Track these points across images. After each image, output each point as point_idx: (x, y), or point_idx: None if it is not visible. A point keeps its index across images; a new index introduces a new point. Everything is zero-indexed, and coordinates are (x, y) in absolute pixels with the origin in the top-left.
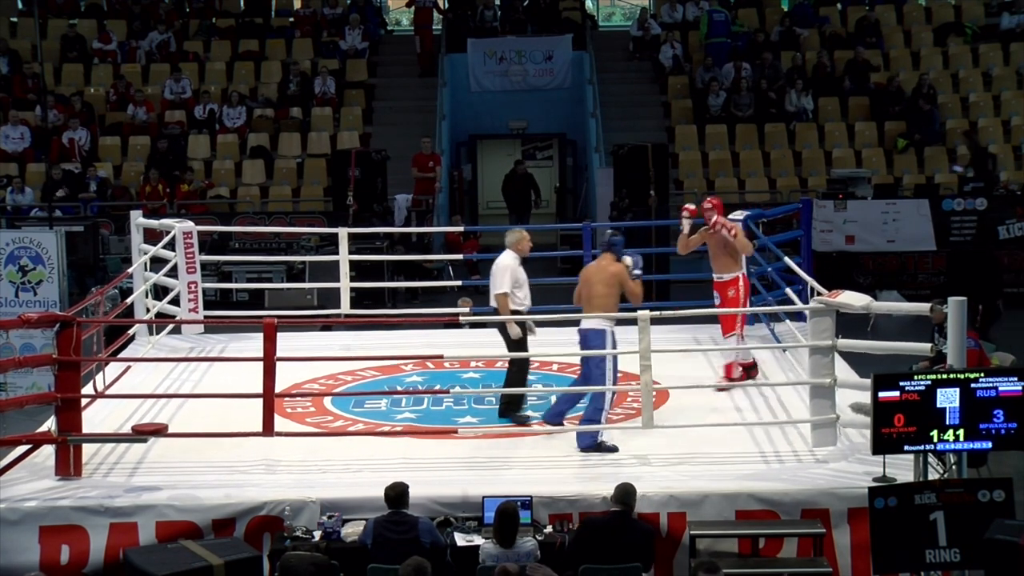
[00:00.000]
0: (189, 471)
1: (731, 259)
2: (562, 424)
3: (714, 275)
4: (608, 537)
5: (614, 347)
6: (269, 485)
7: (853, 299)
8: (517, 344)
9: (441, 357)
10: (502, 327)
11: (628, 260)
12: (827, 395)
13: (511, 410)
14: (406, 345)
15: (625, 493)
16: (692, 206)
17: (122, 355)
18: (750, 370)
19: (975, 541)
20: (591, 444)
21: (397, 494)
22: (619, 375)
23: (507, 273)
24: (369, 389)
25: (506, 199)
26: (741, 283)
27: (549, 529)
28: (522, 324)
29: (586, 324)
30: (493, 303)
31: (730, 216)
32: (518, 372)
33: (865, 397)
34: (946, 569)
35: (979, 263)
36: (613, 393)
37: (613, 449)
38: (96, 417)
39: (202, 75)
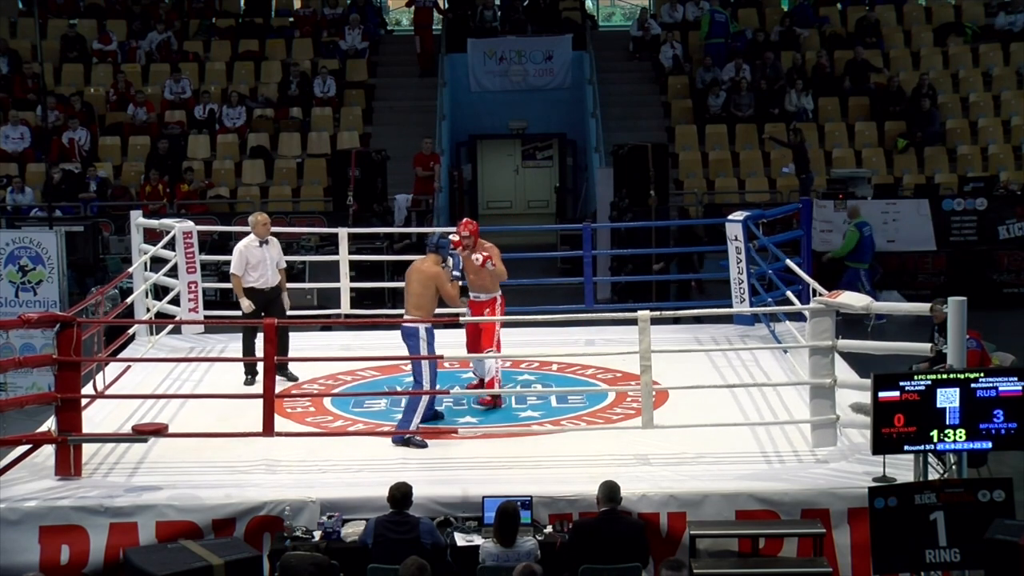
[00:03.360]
0: (189, 471)
1: (487, 281)
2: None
3: (471, 294)
4: (601, 537)
5: (428, 345)
6: (269, 485)
7: (853, 299)
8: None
9: (441, 357)
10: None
11: (451, 262)
12: (827, 395)
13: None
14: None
15: (611, 491)
16: (456, 237)
17: (122, 355)
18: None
19: (975, 541)
20: (400, 440)
21: (403, 495)
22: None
23: (237, 255)
24: (369, 389)
25: None
26: (498, 303)
27: (549, 529)
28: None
29: (405, 319)
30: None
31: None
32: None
33: (865, 397)
34: (946, 569)
35: None
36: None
37: (422, 445)
38: (96, 417)
39: (202, 75)
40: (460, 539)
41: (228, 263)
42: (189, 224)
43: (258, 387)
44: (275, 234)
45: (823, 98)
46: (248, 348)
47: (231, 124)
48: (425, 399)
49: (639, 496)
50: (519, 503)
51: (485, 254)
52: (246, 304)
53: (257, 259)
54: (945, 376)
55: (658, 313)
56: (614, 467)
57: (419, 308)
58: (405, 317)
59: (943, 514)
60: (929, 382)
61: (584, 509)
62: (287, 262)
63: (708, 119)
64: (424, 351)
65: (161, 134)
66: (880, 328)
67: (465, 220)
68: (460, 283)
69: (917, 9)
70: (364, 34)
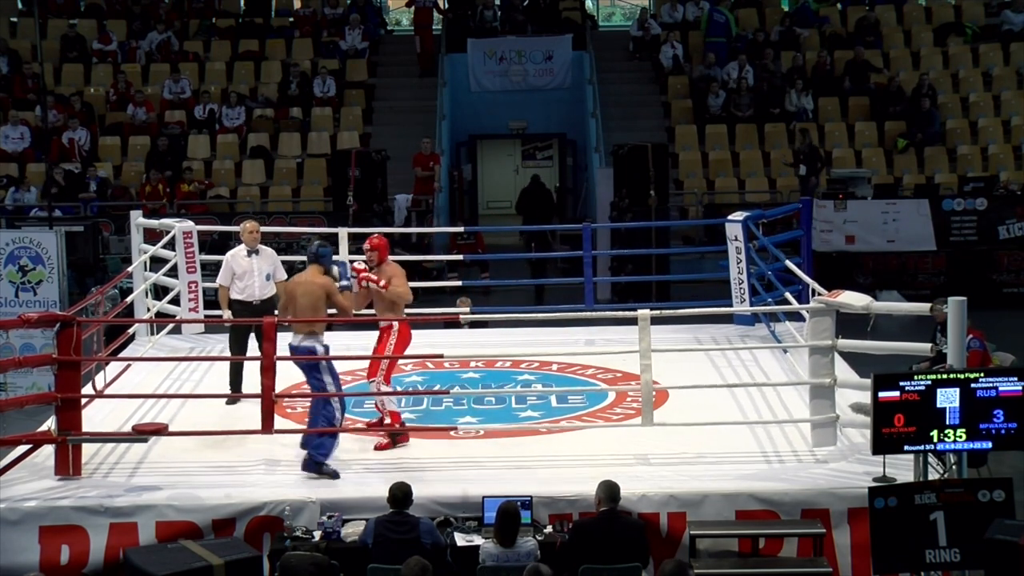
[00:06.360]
0: (189, 471)
1: (385, 306)
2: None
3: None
4: (601, 537)
5: (330, 364)
6: (269, 485)
7: (853, 299)
8: (233, 332)
9: (441, 357)
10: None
11: (336, 271)
12: (827, 395)
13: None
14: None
15: (611, 491)
16: (360, 264)
17: (122, 355)
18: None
19: (975, 541)
20: (313, 466)
21: (403, 494)
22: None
23: (223, 264)
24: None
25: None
26: (394, 331)
27: (549, 529)
28: (245, 312)
29: (294, 340)
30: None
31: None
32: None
33: (865, 397)
34: (946, 569)
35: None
36: (342, 411)
37: (334, 475)
38: (96, 417)
39: (202, 75)
40: (460, 539)
41: None
42: (189, 224)
43: (258, 387)
44: (275, 234)
45: (823, 98)
46: (235, 359)
47: (231, 124)
48: (337, 416)
49: (639, 496)
50: (519, 503)
51: (384, 282)
52: (226, 315)
53: (243, 269)
54: (945, 376)
55: (658, 313)
56: (614, 467)
57: (311, 324)
58: (297, 337)
59: (943, 514)
60: (929, 382)
61: (584, 509)
62: (286, 263)
63: (708, 119)
64: (326, 371)
65: (161, 134)
66: (879, 328)
67: (372, 236)
68: (351, 291)
69: (917, 9)
70: (364, 34)
